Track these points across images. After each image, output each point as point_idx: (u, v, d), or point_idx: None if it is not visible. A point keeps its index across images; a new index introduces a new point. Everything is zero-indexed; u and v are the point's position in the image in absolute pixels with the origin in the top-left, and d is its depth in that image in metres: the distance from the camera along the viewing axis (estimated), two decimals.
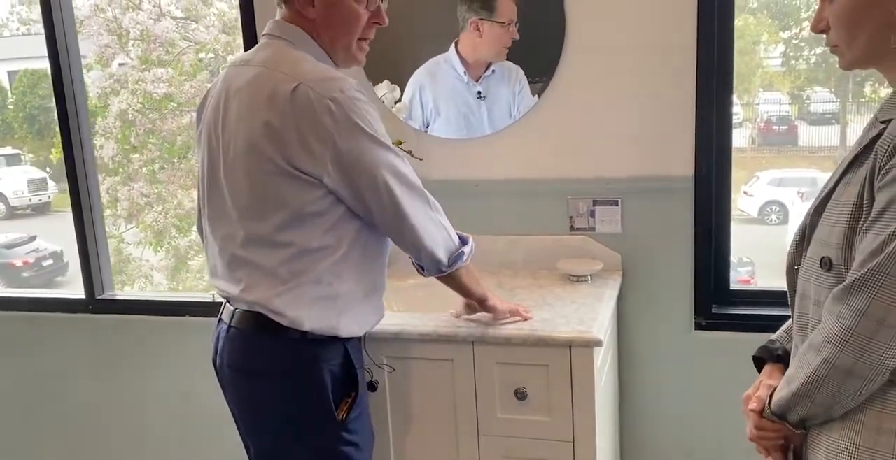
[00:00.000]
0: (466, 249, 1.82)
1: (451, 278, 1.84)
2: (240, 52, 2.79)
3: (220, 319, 1.77)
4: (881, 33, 1.17)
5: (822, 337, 1.17)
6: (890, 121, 1.13)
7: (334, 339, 1.69)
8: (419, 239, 1.70)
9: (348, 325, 1.70)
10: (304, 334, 1.65)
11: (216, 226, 1.73)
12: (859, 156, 1.19)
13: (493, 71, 2.45)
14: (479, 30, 2.41)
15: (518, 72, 2.43)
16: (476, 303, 1.95)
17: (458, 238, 1.81)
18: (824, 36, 1.26)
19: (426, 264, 1.78)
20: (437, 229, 1.74)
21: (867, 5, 1.16)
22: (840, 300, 1.14)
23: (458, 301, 2.00)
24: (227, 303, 1.75)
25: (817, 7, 1.25)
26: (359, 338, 1.78)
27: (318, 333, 1.66)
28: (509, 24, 2.38)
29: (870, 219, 1.12)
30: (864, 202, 1.14)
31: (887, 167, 1.10)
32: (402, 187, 1.65)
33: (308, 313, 1.65)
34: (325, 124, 1.54)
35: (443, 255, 1.76)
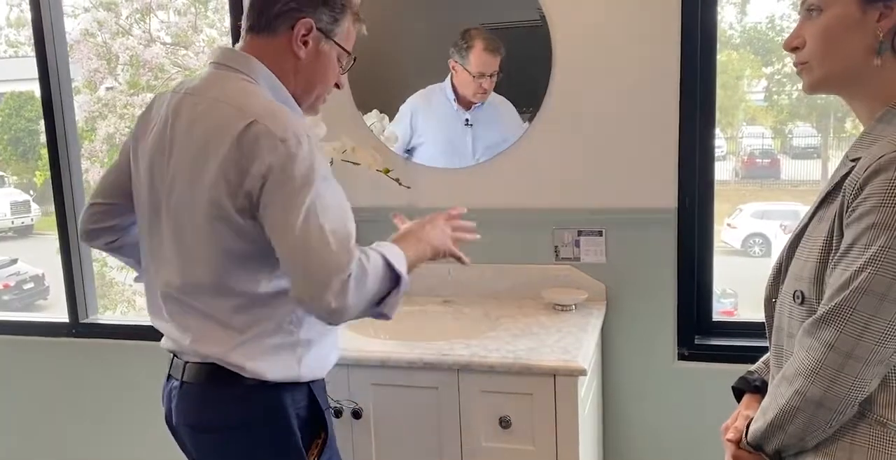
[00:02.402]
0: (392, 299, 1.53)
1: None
2: None
3: (170, 375, 1.67)
4: (858, 55, 1.19)
5: (793, 369, 1.19)
6: (859, 159, 1.16)
7: (297, 384, 1.61)
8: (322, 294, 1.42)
9: (310, 370, 1.62)
10: (264, 384, 1.56)
11: (157, 267, 1.63)
12: (830, 194, 1.22)
13: (482, 103, 2.49)
14: (454, 69, 2.48)
15: (507, 105, 2.47)
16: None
17: (379, 289, 1.50)
18: (795, 56, 1.27)
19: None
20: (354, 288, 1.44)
21: (852, 26, 1.19)
22: (810, 333, 1.17)
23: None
24: (175, 357, 1.65)
25: (796, 24, 1.27)
26: (322, 378, 1.70)
27: (279, 382, 1.58)
28: (478, 77, 2.45)
29: (838, 254, 1.15)
30: (834, 238, 1.17)
31: (854, 205, 1.13)
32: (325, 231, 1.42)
33: (268, 364, 1.55)
34: (268, 164, 1.41)
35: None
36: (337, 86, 1.69)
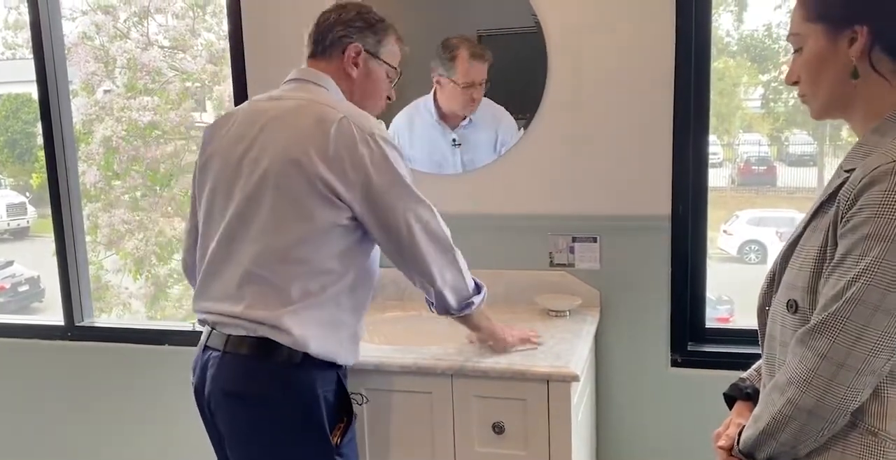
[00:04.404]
0: (477, 300, 1.90)
1: (461, 318, 1.92)
2: (227, 82, 2.83)
3: (207, 346, 1.78)
4: (841, 82, 1.23)
5: (785, 377, 1.20)
6: (853, 170, 1.17)
7: (330, 366, 1.74)
8: (433, 281, 1.80)
9: (346, 353, 1.77)
10: (303, 360, 1.69)
11: (228, 245, 1.74)
12: (824, 204, 1.23)
13: (470, 120, 2.49)
14: (439, 84, 2.46)
15: (500, 110, 2.47)
16: (486, 337, 2.02)
17: (472, 285, 1.90)
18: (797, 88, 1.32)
19: (437, 305, 1.87)
20: (452, 274, 1.83)
21: (828, 57, 1.23)
22: (803, 342, 1.17)
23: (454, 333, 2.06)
24: (214, 330, 1.76)
25: (791, 60, 1.31)
26: (346, 367, 1.82)
27: (319, 358, 1.71)
28: (467, 87, 2.42)
29: (832, 264, 1.16)
30: (828, 248, 1.18)
31: (848, 215, 1.14)
32: (423, 232, 1.76)
33: (315, 334, 1.69)
34: (363, 155, 1.66)
35: (454, 301, 1.85)
36: (389, 98, 1.95)
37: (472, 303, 1.88)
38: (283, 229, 1.68)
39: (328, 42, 1.83)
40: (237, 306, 1.71)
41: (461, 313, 1.88)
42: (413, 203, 1.74)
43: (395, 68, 1.90)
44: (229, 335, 1.72)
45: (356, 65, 1.84)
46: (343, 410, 1.78)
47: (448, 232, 1.83)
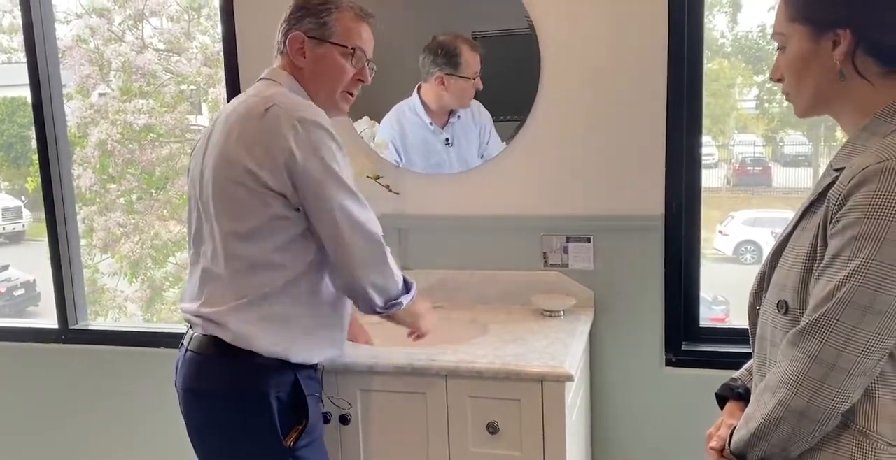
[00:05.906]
0: (405, 300, 1.84)
1: (387, 316, 1.87)
2: (222, 85, 2.84)
3: (182, 344, 1.82)
4: (824, 82, 1.23)
5: (777, 379, 1.20)
6: (843, 169, 1.17)
7: (285, 366, 1.73)
8: (358, 280, 1.73)
9: (300, 351, 1.74)
10: (254, 358, 1.69)
11: (197, 246, 1.80)
12: (814, 203, 1.23)
13: (459, 117, 2.50)
14: (443, 84, 2.46)
15: (479, 108, 2.48)
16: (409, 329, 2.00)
17: (401, 284, 1.83)
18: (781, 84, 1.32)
19: (361, 304, 1.80)
20: (380, 274, 1.76)
21: (811, 58, 1.23)
22: (794, 343, 1.17)
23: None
24: (189, 329, 1.80)
25: (776, 57, 1.32)
26: (314, 368, 1.81)
27: (269, 356, 1.70)
28: (474, 78, 2.44)
29: (822, 265, 1.16)
30: (818, 248, 1.18)
31: (838, 215, 1.13)
32: (351, 227, 1.69)
33: (258, 331, 1.69)
34: (287, 137, 1.62)
35: (380, 301, 1.78)
36: (361, 81, 1.86)
37: (400, 303, 1.82)
38: (226, 226, 1.69)
39: (279, 39, 1.83)
40: (196, 304, 1.75)
41: (386, 312, 1.82)
42: (343, 196, 1.68)
43: (347, 46, 1.80)
44: (193, 334, 1.76)
45: (303, 55, 1.79)
46: (301, 413, 1.75)
47: (380, 229, 1.75)
